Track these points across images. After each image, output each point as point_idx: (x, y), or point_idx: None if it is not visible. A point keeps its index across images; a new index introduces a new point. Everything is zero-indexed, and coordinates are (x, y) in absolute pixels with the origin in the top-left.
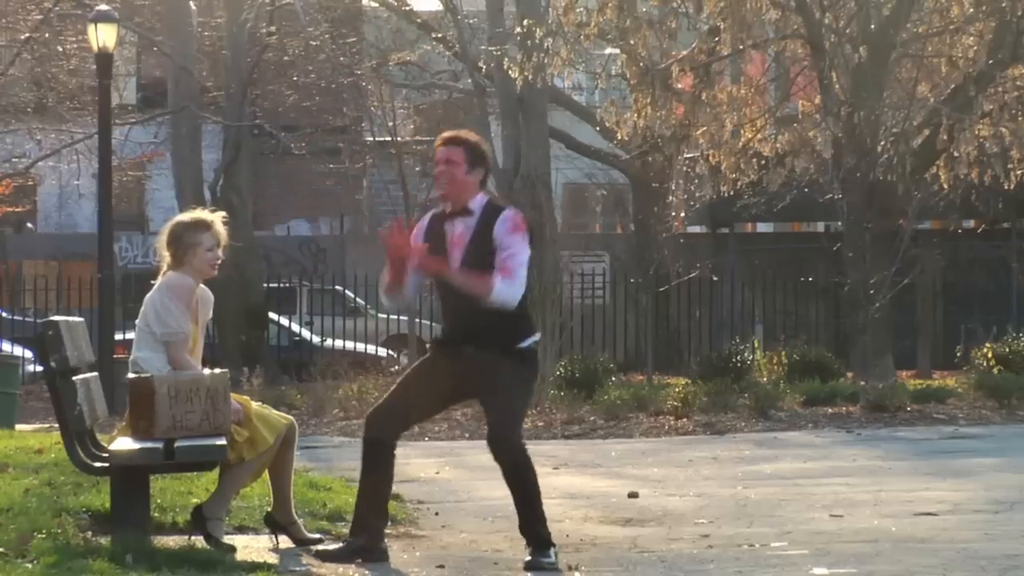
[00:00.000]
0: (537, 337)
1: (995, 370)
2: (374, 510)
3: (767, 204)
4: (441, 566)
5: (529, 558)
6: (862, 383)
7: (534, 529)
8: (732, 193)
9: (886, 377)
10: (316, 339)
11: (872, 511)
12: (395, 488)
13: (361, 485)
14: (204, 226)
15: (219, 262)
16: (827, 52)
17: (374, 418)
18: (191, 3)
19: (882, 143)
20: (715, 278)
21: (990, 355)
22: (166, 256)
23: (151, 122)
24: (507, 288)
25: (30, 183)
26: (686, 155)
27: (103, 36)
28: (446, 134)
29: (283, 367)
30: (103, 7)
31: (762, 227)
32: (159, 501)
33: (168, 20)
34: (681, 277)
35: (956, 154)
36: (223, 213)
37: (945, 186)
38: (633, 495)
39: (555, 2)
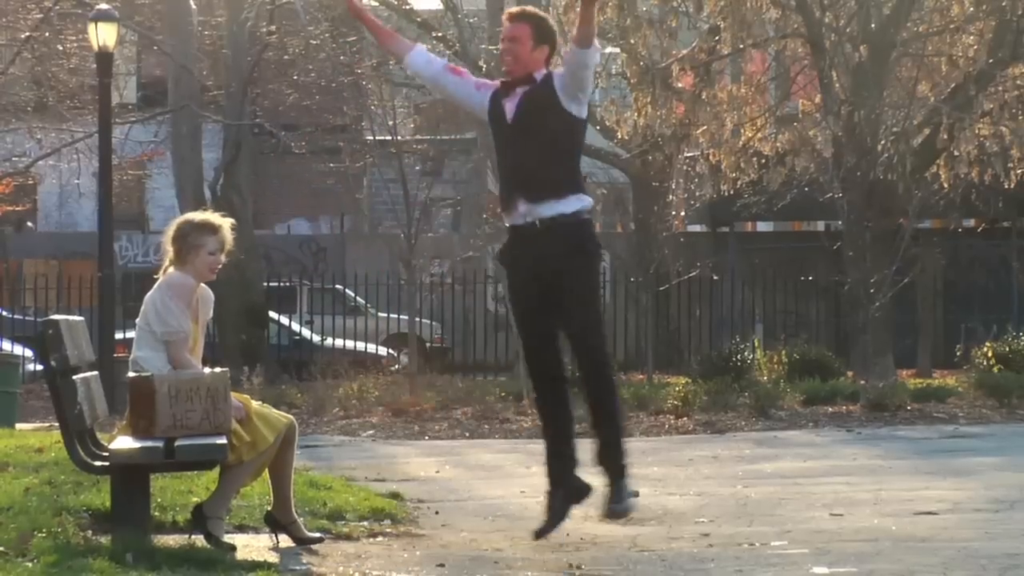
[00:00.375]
0: (588, 203)
1: (995, 369)
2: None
3: (767, 203)
4: (441, 565)
5: (613, 504)
6: (862, 382)
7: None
8: (732, 192)
9: (886, 376)
10: (316, 338)
11: (872, 510)
12: (395, 487)
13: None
14: (211, 229)
15: (219, 267)
16: (827, 51)
17: (530, 357)
18: (191, 2)
19: (882, 142)
20: (715, 277)
21: (990, 354)
22: (169, 252)
23: (151, 121)
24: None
25: (30, 182)
26: (686, 154)
27: (103, 35)
28: (513, 9)
29: (283, 366)
30: (103, 6)
31: (762, 226)
32: (159, 500)
33: (168, 19)
34: (681, 276)
35: (956, 153)
36: (233, 220)
37: (945, 185)
38: (633, 494)
39: (555, 2)
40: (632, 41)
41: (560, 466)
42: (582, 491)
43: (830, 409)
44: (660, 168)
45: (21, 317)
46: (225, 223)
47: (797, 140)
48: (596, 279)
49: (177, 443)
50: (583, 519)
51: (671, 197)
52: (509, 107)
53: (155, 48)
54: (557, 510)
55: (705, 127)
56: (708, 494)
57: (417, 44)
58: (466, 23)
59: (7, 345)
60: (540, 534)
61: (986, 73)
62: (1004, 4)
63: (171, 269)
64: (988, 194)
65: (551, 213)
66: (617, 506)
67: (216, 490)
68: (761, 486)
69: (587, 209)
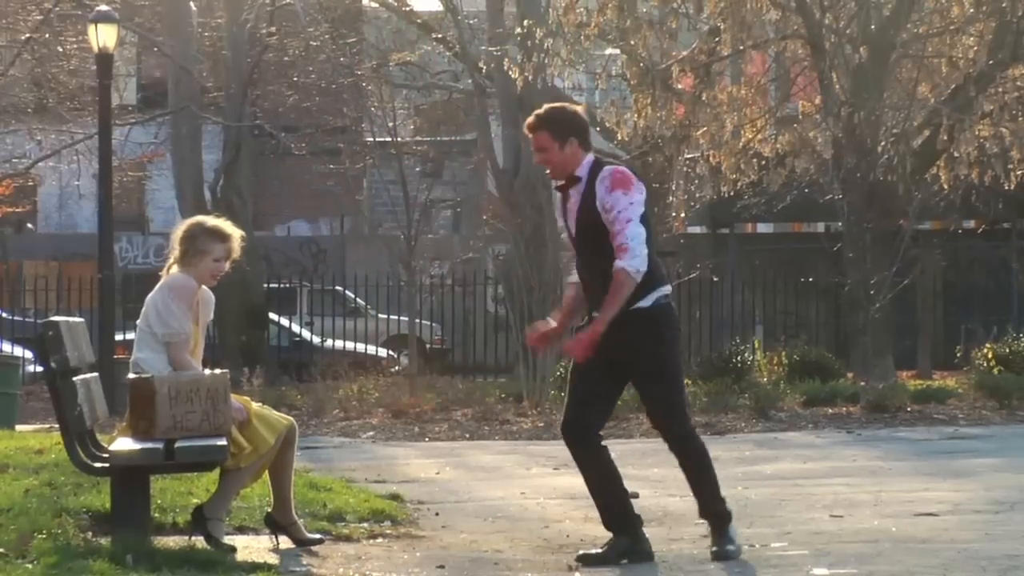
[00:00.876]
0: (665, 291)
1: (995, 370)
2: (623, 505)
3: (767, 204)
4: (441, 566)
5: (715, 548)
6: (862, 383)
7: (716, 510)
8: (732, 193)
9: (886, 377)
10: (316, 339)
11: (872, 511)
12: (395, 488)
13: (592, 488)
14: (221, 237)
15: (221, 275)
16: (827, 52)
17: (566, 429)
18: (191, 3)
19: (882, 143)
20: (715, 278)
21: (990, 355)
22: (176, 250)
23: (151, 122)
24: (631, 261)
25: (30, 183)
26: (686, 155)
27: (103, 36)
28: (529, 120)
29: (283, 367)
30: (103, 7)
31: (762, 227)
32: (159, 501)
33: (168, 20)
34: (681, 277)
35: (956, 154)
36: (243, 232)
37: (945, 186)
38: (633, 495)
39: (555, 2)
40: (632, 42)
41: (630, 518)
42: (643, 554)
43: (830, 410)
44: (660, 169)
45: (21, 319)
46: (236, 233)
47: (797, 141)
48: (662, 347)
49: (177, 444)
50: (584, 520)
51: (671, 198)
52: (570, 219)
53: (155, 49)
54: (609, 557)
55: (705, 128)
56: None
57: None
58: (466, 24)
59: (7, 347)
60: (585, 559)
61: (986, 74)
62: (1004, 5)
63: (175, 268)
64: (988, 195)
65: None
66: (719, 550)
67: (216, 492)
68: (761, 487)
69: (663, 296)
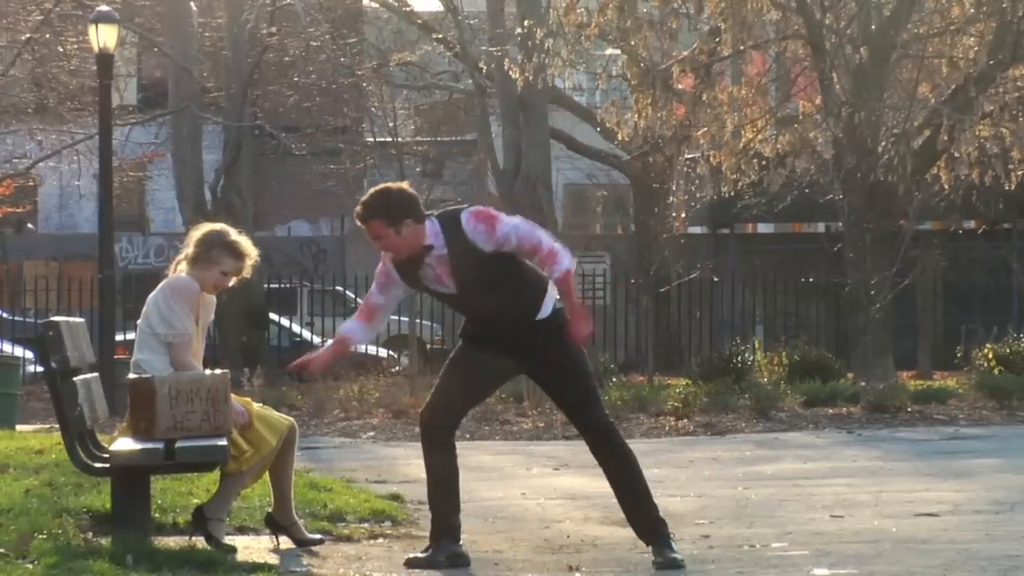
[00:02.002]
0: (552, 298)
1: (996, 371)
2: (452, 506)
3: (768, 205)
4: None
5: (656, 558)
6: (863, 384)
7: (651, 521)
8: (733, 194)
9: (887, 378)
10: (317, 339)
11: (873, 512)
12: (395, 488)
13: (430, 481)
14: (237, 254)
15: (222, 289)
16: (828, 53)
17: (428, 412)
18: (192, 3)
19: (883, 144)
20: (716, 279)
21: (991, 356)
22: (189, 249)
23: (152, 122)
24: (565, 261)
25: (31, 184)
26: (687, 156)
27: (104, 36)
28: (357, 210)
29: (284, 368)
30: (104, 8)
31: (763, 228)
32: (160, 502)
33: (169, 20)
34: (682, 278)
35: (957, 155)
36: (258, 255)
37: (946, 187)
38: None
39: (556, 3)
40: (632, 43)
41: (452, 521)
42: (462, 559)
43: (830, 411)
44: (661, 170)
45: (21, 319)
46: (252, 254)
47: (797, 141)
48: (567, 344)
49: (177, 445)
50: (584, 521)
51: (671, 199)
52: (445, 278)
53: (155, 50)
54: (434, 561)
55: (705, 129)
56: (708, 496)
57: (350, 330)
58: (466, 24)
59: (7, 347)
60: (412, 562)
61: (986, 75)
62: (1004, 5)
63: (183, 266)
64: (988, 196)
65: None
66: (660, 559)
67: (217, 492)
68: (761, 487)
69: (557, 301)
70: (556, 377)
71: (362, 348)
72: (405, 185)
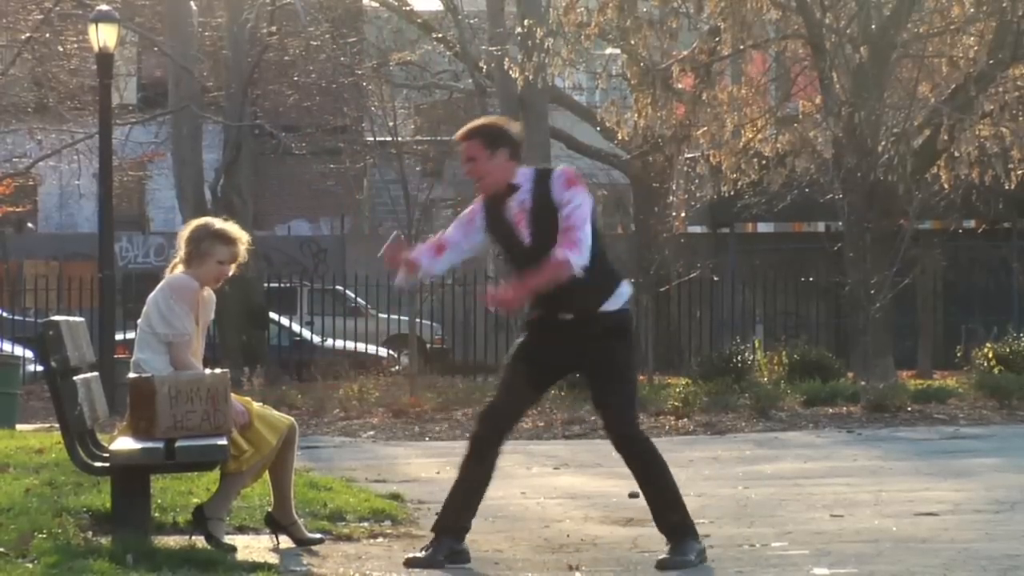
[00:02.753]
0: (624, 294)
1: (996, 370)
2: (468, 509)
3: (768, 204)
4: None
5: (665, 555)
6: (863, 383)
7: (672, 524)
8: (733, 193)
9: (887, 377)
10: (316, 339)
11: (873, 511)
12: (395, 488)
13: (461, 481)
14: (227, 240)
15: (224, 278)
16: (828, 52)
17: (488, 416)
18: (192, 3)
19: (883, 143)
20: (716, 278)
21: (991, 355)
22: (181, 251)
23: (152, 122)
24: (579, 258)
25: (31, 183)
26: (687, 155)
27: (104, 36)
28: (458, 133)
29: (284, 367)
30: (104, 7)
31: (763, 227)
32: (160, 501)
33: (169, 20)
34: (682, 277)
35: (957, 154)
36: (249, 238)
37: (946, 186)
38: (634, 495)
39: (556, 2)
40: (632, 42)
41: (464, 521)
42: (462, 556)
43: (830, 410)
44: (660, 169)
45: (21, 318)
46: (242, 237)
47: (797, 141)
48: (618, 352)
49: (177, 444)
50: (584, 520)
51: (671, 198)
52: (519, 225)
53: (155, 49)
54: (434, 559)
55: (705, 128)
56: (708, 495)
57: (417, 251)
58: (466, 24)
59: (7, 346)
60: (412, 562)
61: (986, 74)
62: (1004, 5)
63: (179, 268)
64: (988, 195)
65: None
66: (668, 559)
67: (217, 491)
68: (761, 487)
69: (625, 302)
70: (601, 375)
71: (362, 347)
72: (516, 126)
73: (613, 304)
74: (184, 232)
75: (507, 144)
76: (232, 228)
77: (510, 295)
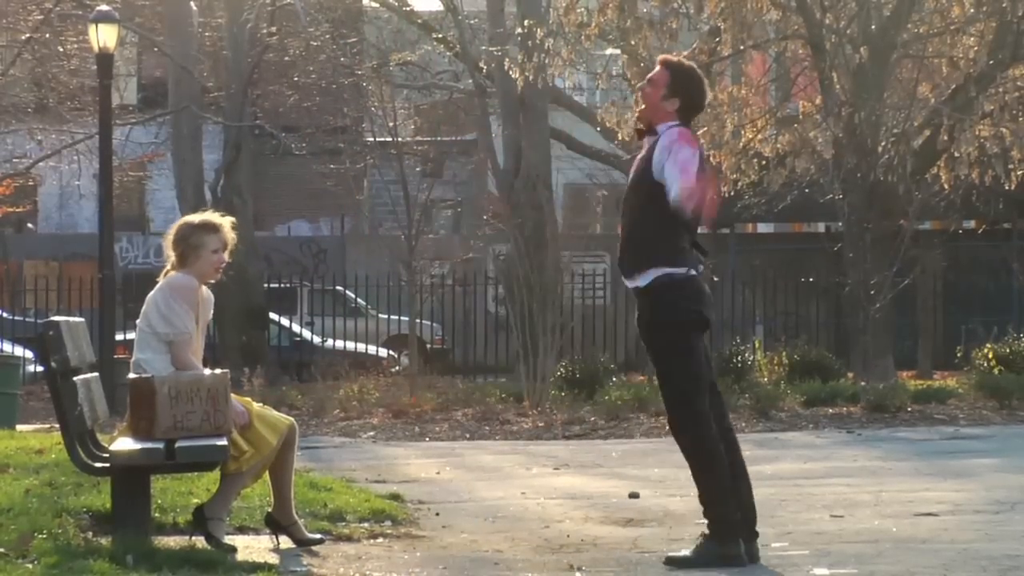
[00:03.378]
0: (668, 271)
1: (996, 370)
2: (738, 504)
3: (768, 204)
4: (443, 567)
5: (678, 553)
6: (863, 383)
7: (708, 517)
8: (733, 193)
9: (887, 377)
10: (317, 339)
11: (873, 511)
12: (395, 488)
13: (718, 477)
14: (212, 228)
15: (223, 266)
16: (828, 53)
17: (704, 397)
18: (192, 3)
19: (883, 143)
20: (715, 278)
21: (991, 355)
22: (171, 256)
23: (152, 122)
24: (676, 191)
25: (31, 183)
26: None
27: (104, 36)
28: (662, 56)
29: (284, 367)
30: (104, 7)
31: (763, 227)
32: (160, 501)
33: (169, 20)
34: None
35: (957, 154)
36: (233, 219)
37: (946, 186)
38: (634, 495)
39: (556, 2)
40: (632, 42)
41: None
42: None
43: (830, 410)
44: None
45: (21, 318)
46: (225, 221)
47: (797, 141)
48: (662, 336)
49: (177, 444)
50: (584, 520)
51: None
52: (633, 168)
53: (155, 49)
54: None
55: (705, 128)
56: None
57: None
58: (466, 24)
59: (7, 346)
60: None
61: (986, 74)
62: (1004, 5)
63: (172, 272)
64: (988, 195)
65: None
66: (676, 556)
67: (217, 492)
68: (761, 487)
69: (668, 276)
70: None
71: (362, 348)
72: (707, 89)
73: (639, 280)
74: (169, 236)
75: (683, 98)
76: (213, 216)
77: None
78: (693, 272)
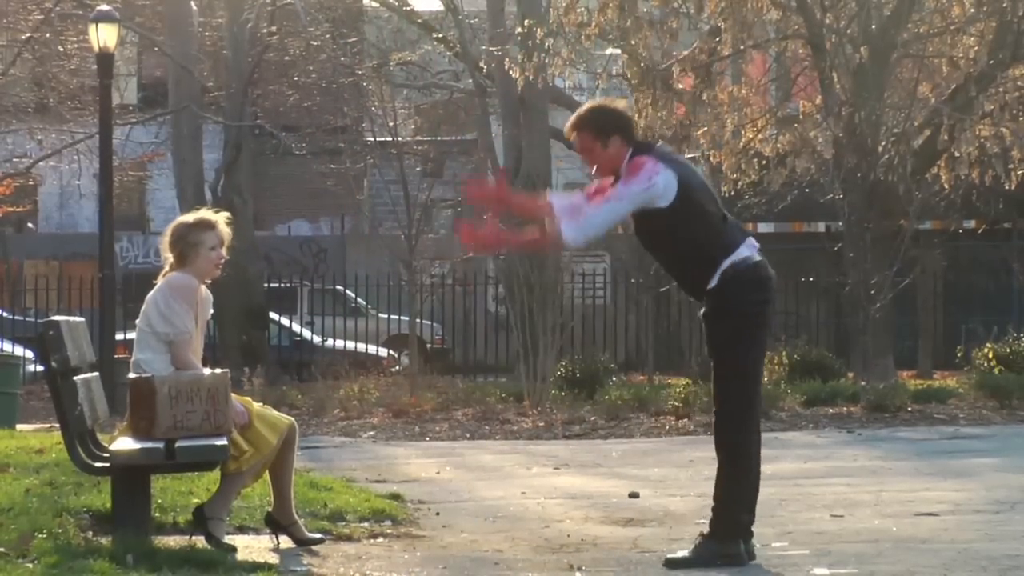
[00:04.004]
0: (730, 260)
1: (996, 370)
2: (749, 508)
3: (768, 204)
4: (443, 566)
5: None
6: (863, 383)
7: (712, 520)
8: (733, 193)
9: (887, 377)
10: (317, 339)
11: (873, 511)
12: (395, 488)
13: (748, 483)
14: (207, 226)
15: (223, 262)
16: (828, 52)
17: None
18: (192, 3)
19: (883, 143)
20: None
21: (991, 355)
22: (169, 257)
23: (152, 122)
24: (570, 231)
25: (31, 183)
26: (687, 155)
27: (104, 36)
28: (568, 124)
29: (284, 367)
30: (104, 7)
31: (763, 227)
32: (160, 501)
33: (169, 20)
34: None
35: (957, 154)
36: (227, 214)
37: (946, 186)
38: (634, 495)
39: (556, 2)
40: (632, 42)
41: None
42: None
43: (831, 410)
44: None
45: (22, 318)
46: (220, 218)
47: (798, 141)
48: (724, 330)
49: (178, 444)
50: (584, 520)
51: None
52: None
53: (156, 49)
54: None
55: (706, 128)
56: (709, 495)
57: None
58: (467, 24)
59: (8, 346)
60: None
61: (987, 74)
62: (1005, 5)
63: (171, 272)
64: (989, 195)
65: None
66: (672, 556)
67: (217, 491)
68: (762, 487)
69: (731, 265)
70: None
71: (362, 347)
72: (622, 104)
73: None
74: (165, 239)
75: (619, 131)
76: (206, 213)
77: (490, 236)
78: (756, 257)
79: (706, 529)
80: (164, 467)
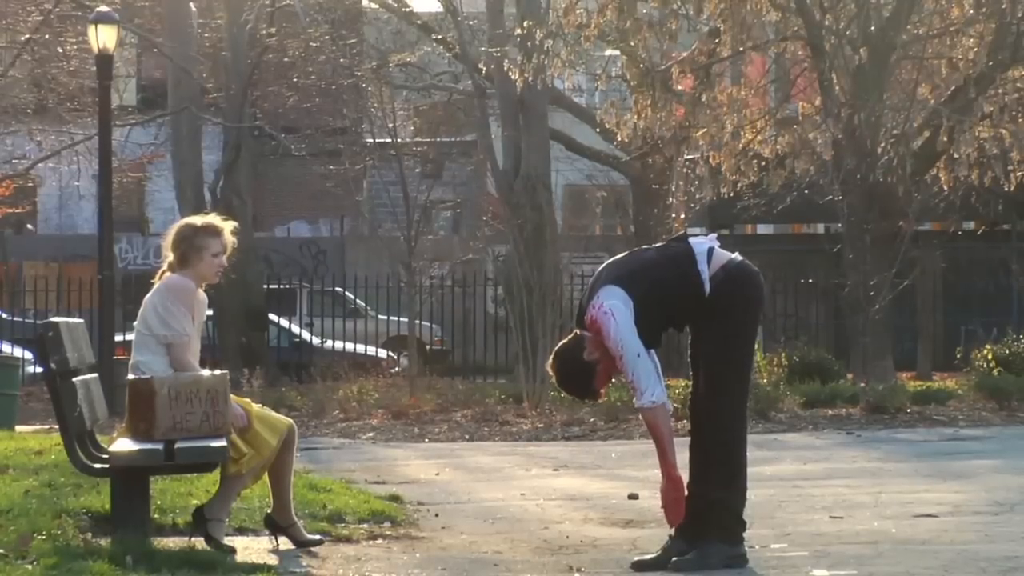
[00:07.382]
0: (722, 264)
1: (995, 372)
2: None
3: (767, 206)
4: (442, 568)
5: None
6: (862, 385)
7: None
8: (732, 195)
9: (886, 379)
10: (316, 340)
11: (872, 513)
12: (394, 489)
13: (744, 476)
14: (214, 231)
15: (223, 270)
16: (827, 54)
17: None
18: (191, 4)
19: (882, 145)
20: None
21: (990, 357)
22: (170, 256)
23: (151, 123)
24: (641, 398)
25: (30, 184)
26: (686, 157)
27: (103, 37)
28: (547, 367)
29: (283, 368)
30: (103, 8)
31: (762, 229)
32: (159, 502)
33: (168, 21)
34: None
35: (956, 156)
36: (235, 223)
37: (945, 188)
38: (633, 497)
39: (555, 3)
40: (632, 43)
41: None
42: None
43: (830, 412)
44: (660, 171)
45: (21, 319)
46: (227, 225)
47: (797, 143)
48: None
49: (177, 445)
50: (583, 522)
51: (671, 199)
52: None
53: (155, 50)
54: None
55: (705, 129)
56: None
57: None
58: (466, 25)
59: (7, 347)
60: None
61: (986, 76)
62: (1004, 7)
63: (169, 274)
64: (988, 197)
65: None
66: (677, 560)
67: (217, 493)
68: (761, 488)
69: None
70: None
71: (361, 349)
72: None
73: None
74: (169, 237)
75: (580, 350)
76: (215, 219)
77: (677, 504)
78: (740, 258)
79: (714, 529)
80: (163, 468)
